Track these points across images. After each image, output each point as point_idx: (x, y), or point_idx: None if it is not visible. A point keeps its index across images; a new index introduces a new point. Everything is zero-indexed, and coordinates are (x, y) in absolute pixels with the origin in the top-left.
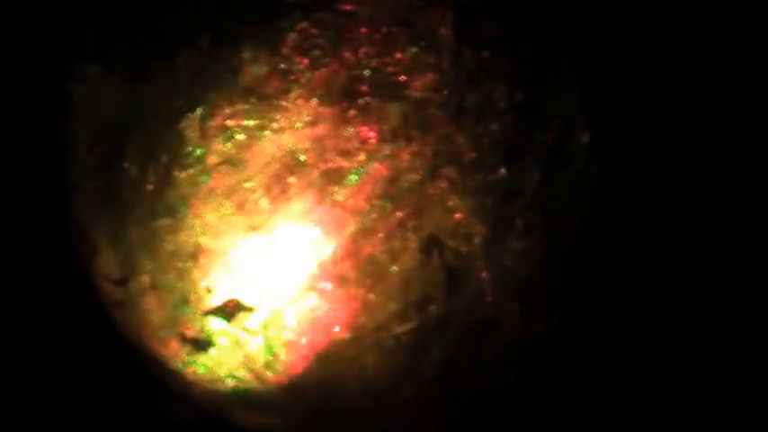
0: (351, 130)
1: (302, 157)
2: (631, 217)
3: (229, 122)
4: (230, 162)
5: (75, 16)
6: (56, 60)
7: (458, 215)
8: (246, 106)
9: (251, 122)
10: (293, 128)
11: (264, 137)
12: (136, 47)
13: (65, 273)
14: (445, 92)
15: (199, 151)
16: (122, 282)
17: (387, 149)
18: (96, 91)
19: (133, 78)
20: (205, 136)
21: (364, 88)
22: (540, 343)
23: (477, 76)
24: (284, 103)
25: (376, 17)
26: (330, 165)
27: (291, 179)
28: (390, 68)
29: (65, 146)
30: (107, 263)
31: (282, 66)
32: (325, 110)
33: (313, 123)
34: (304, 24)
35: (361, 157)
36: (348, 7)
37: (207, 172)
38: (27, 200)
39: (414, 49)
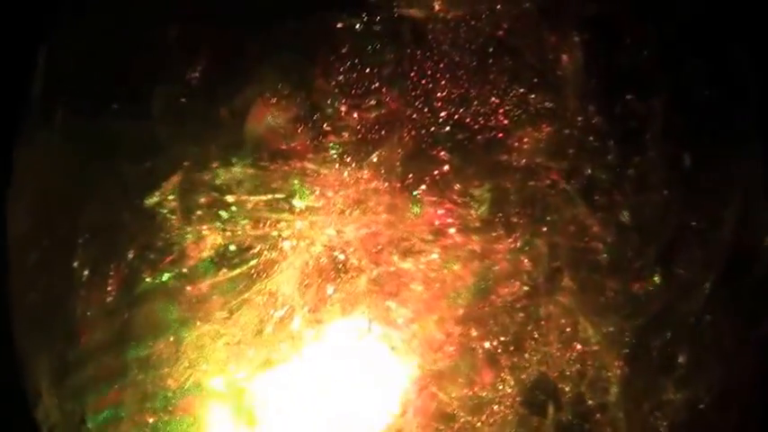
0: (418, 215)
1: (343, 256)
2: None
3: (228, 198)
4: (229, 261)
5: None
6: None
7: (584, 346)
8: (253, 171)
9: (261, 198)
10: (330, 209)
11: (282, 222)
12: (96, 85)
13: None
14: (568, 155)
15: (179, 243)
16: None
17: (473, 244)
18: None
19: (87, 133)
20: (188, 219)
21: (441, 151)
22: None
23: (616, 131)
24: (315, 171)
25: (461, 35)
26: (385, 267)
27: (328, 289)
28: (482, 120)
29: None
30: (47, 407)
31: (312, 111)
32: (378, 182)
33: (360, 202)
34: (348, 46)
35: (434, 255)
36: (412, 12)
37: (192, 276)
38: None
39: (519, 90)
